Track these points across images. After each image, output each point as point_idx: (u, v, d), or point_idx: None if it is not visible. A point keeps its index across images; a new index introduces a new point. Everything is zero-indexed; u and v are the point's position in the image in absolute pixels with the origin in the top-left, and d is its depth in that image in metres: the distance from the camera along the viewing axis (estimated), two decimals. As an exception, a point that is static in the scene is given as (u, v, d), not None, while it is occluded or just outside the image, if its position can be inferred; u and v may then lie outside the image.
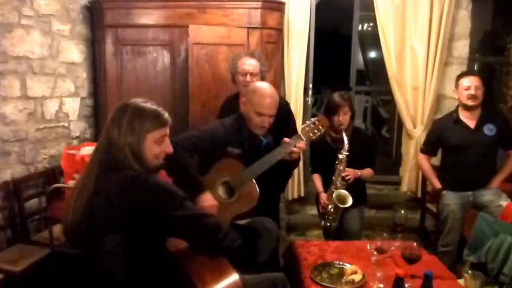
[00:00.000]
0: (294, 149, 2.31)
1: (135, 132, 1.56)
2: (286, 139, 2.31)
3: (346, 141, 2.73)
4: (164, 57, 3.71)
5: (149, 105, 1.63)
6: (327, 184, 2.86)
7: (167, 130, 1.65)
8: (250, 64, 2.80)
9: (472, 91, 3.04)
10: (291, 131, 2.93)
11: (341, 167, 2.76)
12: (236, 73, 2.84)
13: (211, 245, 1.61)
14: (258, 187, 2.27)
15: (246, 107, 2.37)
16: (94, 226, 1.53)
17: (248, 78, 2.77)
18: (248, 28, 3.57)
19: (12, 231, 3.11)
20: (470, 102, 3.06)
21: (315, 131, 2.36)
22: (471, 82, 3.06)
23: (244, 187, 2.28)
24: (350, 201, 2.69)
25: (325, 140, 2.94)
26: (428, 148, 3.35)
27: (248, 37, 3.56)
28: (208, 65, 3.47)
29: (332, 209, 2.78)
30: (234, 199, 2.30)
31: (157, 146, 1.62)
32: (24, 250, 2.99)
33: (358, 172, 2.81)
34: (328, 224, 2.85)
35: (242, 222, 2.24)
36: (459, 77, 3.18)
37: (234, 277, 1.61)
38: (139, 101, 1.64)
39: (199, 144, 2.26)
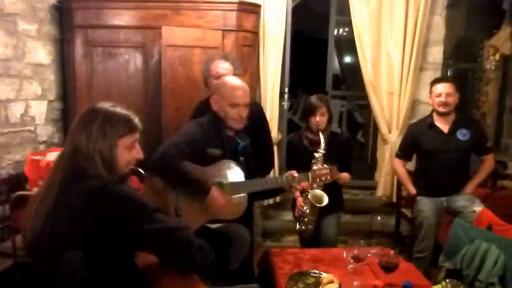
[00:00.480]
0: (297, 186, 2.30)
1: (107, 138, 1.47)
2: (295, 173, 2.28)
3: (322, 140, 2.69)
4: (136, 59, 3.60)
5: (119, 109, 1.54)
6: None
7: (137, 135, 1.57)
8: (223, 67, 2.74)
9: (442, 98, 3.08)
10: (266, 136, 2.90)
11: (318, 162, 2.69)
12: (209, 76, 2.77)
13: (182, 261, 1.49)
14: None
15: (219, 104, 2.31)
16: (54, 239, 1.42)
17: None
18: (223, 30, 3.50)
19: (-28, 241, 2.95)
20: (441, 109, 3.11)
21: (323, 178, 2.33)
22: (442, 89, 3.09)
23: (236, 196, 2.21)
24: (326, 200, 2.63)
25: (302, 142, 2.90)
26: (403, 153, 3.35)
27: (223, 40, 3.49)
28: (182, 67, 3.38)
29: (308, 210, 2.70)
30: None
31: (128, 152, 1.53)
32: (-15, 261, 2.83)
33: (337, 174, 2.76)
34: (304, 227, 2.77)
35: (213, 226, 2.16)
36: (432, 83, 3.22)
37: None
38: (108, 105, 1.54)
39: (186, 149, 2.18)
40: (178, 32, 3.36)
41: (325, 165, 2.42)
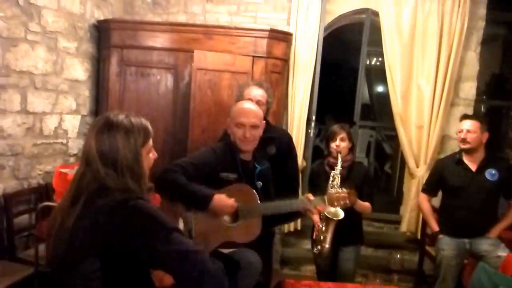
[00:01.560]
0: (313, 209, 2.25)
1: (133, 150, 1.48)
2: (311, 197, 2.25)
3: (339, 160, 2.69)
4: (167, 80, 3.70)
5: (135, 118, 1.54)
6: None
7: (151, 140, 1.59)
8: (257, 94, 2.75)
9: (462, 135, 3.03)
10: (291, 165, 2.89)
11: (334, 183, 2.64)
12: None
13: (194, 285, 1.45)
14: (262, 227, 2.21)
15: (230, 125, 2.32)
16: (74, 247, 1.43)
17: None
18: (253, 56, 3.56)
19: (-1, 246, 3.04)
20: (461, 145, 3.06)
21: (341, 202, 2.29)
22: (464, 126, 3.05)
23: (249, 220, 2.19)
24: (341, 215, 2.55)
25: (324, 168, 2.90)
26: (429, 187, 3.28)
27: (252, 66, 3.55)
28: (210, 91, 3.45)
29: (323, 227, 2.61)
30: (235, 225, 2.20)
31: (148, 157, 1.56)
32: (9, 267, 2.92)
33: (355, 199, 2.70)
34: (319, 247, 2.65)
35: (225, 250, 2.15)
36: (460, 119, 3.18)
37: None
38: (123, 115, 1.53)
39: (192, 170, 2.17)
40: (209, 56, 3.45)
41: (343, 189, 2.35)
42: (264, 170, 2.40)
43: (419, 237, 4.06)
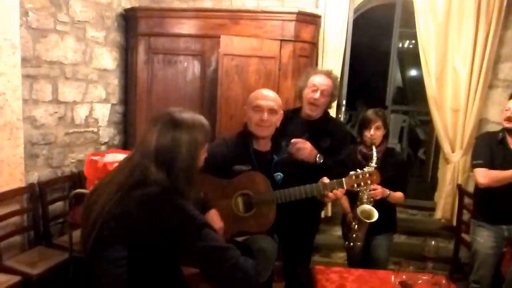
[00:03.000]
0: (330, 194, 2.14)
1: (193, 151, 1.45)
2: (326, 180, 2.14)
3: (375, 155, 2.52)
4: (194, 67, 3.69)
5: (197, 117, 1.51)
6: (354, 201, 2.63)
7: None
8: (324, 83, 2.63)
9: (508, 113, 2.83)
10: (341, 161, 2.70)
11: (355, 172, 2.50)
12: (305, 87, 2.68)
13: (227, 282, 1.44)
14: (280, 216, 2.15)
15: (246, 112, 2.25)
16: (104, 233, 1.43)
17: (318, 95, 2.60)
18: (281, 40, 3.49)
19: (35, 233, 3.13)
20: (505, 124, 2.85)
21: (362, 183, 2.17)
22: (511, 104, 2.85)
23: (264, 208, 2.15)
24: (375, 216, 2.45)
25: (355, 157, 2.78)
26: (485, 160, 2.86)
27: (280, 50, 3.48)
28: (238, 76, 3.42)
29: (356, 226, 2.56)
30: (248, 215, 2.16)
31: (202, 157, 1.53)
32: (45, 253, 3.00)
33: (387, 191, 2.61)
34: (352, 244, 2.63)
35: (239, 239, 2.12)
36: (510, 97, 2.98)
37: None
38: (186, 115, 1.49)
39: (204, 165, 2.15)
40: (236, 41, 3.40)
41: (365, 169, 2.22)
42: (284, 161, 2.32)
43: (454, 224, 3.94)
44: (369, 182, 2.17)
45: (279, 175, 2.26)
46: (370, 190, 2.50)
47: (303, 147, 2.44)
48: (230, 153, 2.21)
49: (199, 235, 1.39)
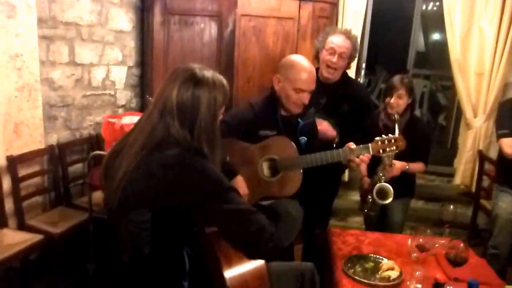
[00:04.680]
0: (356, 159, 2.09)
1: (213, 111, 1.41)
2: (352, 145, 2.10)
3: (397, 129, 2.44)
4: (211, 29, 3.61)
5: (217, 77, 1.47)
6: (373, 169, 2.59)
7: None
8: (343, 45, 2.52)
9: None
10: (369, 125, 2.70)
11: (387, 161, 2.46)
12: (323, 48, 2.58)
13: (252, 246, 1.42)
14: (303, 180, 2.14)
15: (282, 85, 2.16)
16: (127, 196, 1.41)
17: (335, 59, 2.53)
18: (300, 0, 3.37)
19: (56, 194, 3.20)
20: None
21: (387, 149, 2.11)
22: None
23: (290, 173, 2.13)
24: (390, 198, 2.40)
25: (377, 125, 2.70)
26: (511, 127, 2.76)
27: (299, 10, 3.37)
28: (255, 38, 3.34)
29: (370, 200, 2.54)
30: (274, 179, 2.16)
31: (220, 118, 1.49)
32: (65, 213, 3.07)
33: (406, 166, 2.56)
34: (366, 210, 2.64)
35: (264, 203, 2.13)
36: None
37: (259, 262, 1.51)
38: (207, 73, 1.44)
39: (227, 130, 2.09)
40: (253, 1, 3.31)
41: (390, 135, 2.16)
42: (310, 125, 2.31)
43: (473, 190, 3.89)
44: (394, 148, 2.11)
45: (303, 139, 2.25)
46: (394, 157, 2.44)
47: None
48: (257, 118, 2.18)
49: (224, 199, 1.37)
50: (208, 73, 1.44)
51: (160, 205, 1.39)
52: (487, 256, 2.94)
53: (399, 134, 2.38)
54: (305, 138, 2.27)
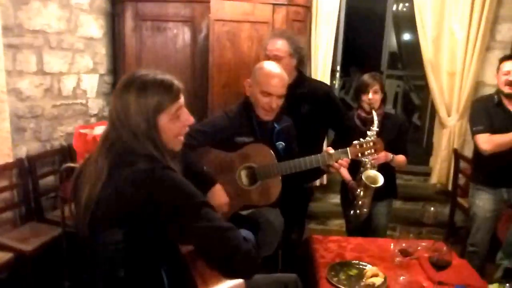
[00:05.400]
0: (335, 164, 2.08)
1: (144, 116, 1.32)
2: (330, 150, 2.08)
3: (375, 118, 2.48)
4: (184, 34, 3.55)
5: (151, 77, 1.36)
6: (355, 170, 2.57)
7: (181, 101, 1.39)
8: (275, 46, 2.49)
9: (510, 77, 2.75)
10: (339, 114, 2.69)
11: (359, 141, 2.41)
12: (264, 55, 2.57)
13: (226, 264, 1.35)
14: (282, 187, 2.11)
15: (252, 89, 2.15)
16: (97, 216, 1.35)
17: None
18: (273, 4, 3.33)
19: (26, 209, 3.07)
20: (506, 89, 2.77)
21: (366, 152, 2.11)
22: (510, 67, 2.76)
23: (269, 180, 2.11)
24: (381, 181, 2.40)
25: (354, 122, 2.72)
26: (485, 125, 2.81)
27: (273, 14, 3.33)
28: (229, 43, 3.29)
29: (361, 193, 2.49)
30: (253, 188, 2.12)
31: (174, 123, 1.38)
32: (37, 228, 2.96)
33: (390, 156, 2.56)
34: (358, 211, 2.55)
35: (244, 212, 2.09)
36: (501, 60, 2.86)
37: (238, 281, 1.46)
38: (142, 73, 1.37)
39: (203, 138, 2.08)
40: (227, 5, 3.26)
41: (367, 138, 2.17)
42: (286, 129, 2.27)
43: (449, 188, 3.94)
44: (373, 150, 2.12)
45: (281, 144, 2.21)
46: (373, 159, 2.45)
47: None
48: (232, 125, 2.15)
49: (198, 215, 1.30)
50: (144, 76, 1.35)
51: (132, 224, 1.32)
52: (466, 254, 2.98)
53: (378, 125, 2.45)
54: (283, 144, 2.24)
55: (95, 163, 1.37)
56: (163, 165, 1.32)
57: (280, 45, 2.48)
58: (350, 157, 2.09)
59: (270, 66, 2.15)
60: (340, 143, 2.18)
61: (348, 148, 2.09)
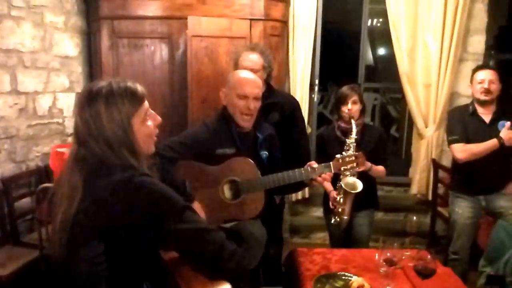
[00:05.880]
0: (318, 178, 2.11)
1: (118, 123, 1.32)
2: (314, 164, 2.11)
3: (354, 127, 2.51)
4: (162, 51, 3.53)
5: (115, 84, 1.35)
6: (335, 179, 2.52)
7: (147, 103, 1.40)
8: (249, 60, 2.54)
9: (485, 85, 2.84)
10: (299, 131, 2.76)
11: (341, 155, 2.40)
12: (237, 66, 2.61)
13: (213, 266, 1.35)
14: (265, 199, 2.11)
15: (228, 97, 2.16)
16: (76, 231, 1.31)
17: None
18: (250, 19, 3.36)
19: (2, 232, 2.98)
20: (483, 97, 2.86)
21: (348, 166, 2.15)
22: (485, 76, 2.85)
23: (252, 194, 2.10)
24: (360, 186, 2.40)
25: (334, 134, 2.76)
26: (461, 135, 2.89)
27: (250, 29, 3.36)
28: (208, 59, 3.29)
29: (341, 200, 2.46)
30: (236, 202, 2.11)
31: (144, 125, 1.39)
32: (13, 252, 2.87)
33: (369, 165, 2.54)
34: (338, 219, 2.52)
35: (227, 225, 2.06)
36: (474, 70, 2.98)
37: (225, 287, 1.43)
38: (102, 84, 1.35)
39: (183, 150, 2.06)
40: (204, 22, 3.26)
41: (349, 152, 2.23)
42: (269, 137, 2.27)
43: (430, 198, 3.98)
44: (355, 164, 2.15)
45: (264, 154, 2.21)
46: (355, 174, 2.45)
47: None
48: (212, 137, 2.13)
49: (180, 218, 1.30)
50: (104, 84, 1.35)
51: (114, 234, 1.29)
52: (448, 262, 3.00)
53: (356, 134, 2.48)
54: (266, 153, 2.24)
55: (67, 183, 1.34)
56: (140, 172, 1.31)
57: (255, 59, 2.55)
58: (332, 171, 2.13)
59: (243, 71, 2.22)
60: (291, 162, 2.20)
61: (331, 163, 2.12)
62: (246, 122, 2.15)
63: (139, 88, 1.39)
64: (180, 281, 1.40)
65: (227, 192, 2.12)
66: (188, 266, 1.42)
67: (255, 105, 2.13)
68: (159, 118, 1.45)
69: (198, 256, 1.34)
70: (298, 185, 2.20)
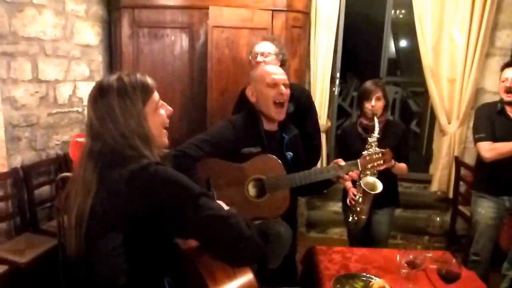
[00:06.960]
0: (345, 176, 2.09)
1: (133, 115, 1.34)
2: (341, 162, 2.08)
3: (377, 125, 2.47)
4: (182, 41, 3.50)
5: (125, 77, 1.38)
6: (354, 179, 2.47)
7: (157, 94, 1.42)
8: (260, 45, 2.64)
9: (508, 83, 2.72)
10: (311, 124, 2.72)
11: (371, 151, 2.35)
12: (251, 58, 2.67)
13: (231, 252, 1.35)
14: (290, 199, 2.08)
15: (257, 91, 2.13)
16: (94, 223, 1.32)
17: (259, 58, 2.59)
18: (272, 10, 3.30)
19: (21, 219, 3.00)
20: (505, 96, 2.75)
21: (375, 164, 2.12)
22: (509, 74, 2.73)
23: (277, 193, 2.06)
24: (380, 187, 2.36)
25: (356, 130, 2.71)
26: (488, 133, 2.79)
27: (272, 20, 3.30)
28: (228, 50, 3.24)
29: (360, 199, 2.44)
30: (261, 200, 2.07)
31: (157, 114, 1.41)
32: (32, 239, 2.90)
33: (392, 162, 2.46)
34: (356, 217, 2.50)
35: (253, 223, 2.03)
36: (502, 67, 2.86)
37: (248, 276, 1.40)
38: (113, 78, 1.38)
39: (209, 149, 2.03)
40: (225, 12, 3.22)
41: (376, 149, 2.20)
42: (293, 139, 2.24)
43: (450, 196, 3.89)
44: (382, 162, 2.12)
45: (289, 154, 2.18)
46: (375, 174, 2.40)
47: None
48: (239, 136, 2.10)
49: (197, 205, 1.29)
50: (114, 77, 1.37)
51: (131, 224, 1.29)
52: (469, 263, 2.93)
53: (379, 133, 2.44)
54: (291, 153, 2.21)
55: (81, 179, 1.35)
56: (155, 162, 1.32)
57: (266, 45, 2.63)
58: (360, 169, 2.10)
59: (263, 65, 2.25)
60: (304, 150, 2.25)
61: (358, 160, 2.10)
62: (279, 115, 2.12)
63: (149, 79, 1.41)
64: (201, 269, 1.38)
65: (252, 190, 2.09)
66: (208, 254, 1.41)
67: (287, 92, 2.11)
68: (170, 108, 1.46)
69: (215, 242, 1.34)
70: (324, 184, 2.16)
